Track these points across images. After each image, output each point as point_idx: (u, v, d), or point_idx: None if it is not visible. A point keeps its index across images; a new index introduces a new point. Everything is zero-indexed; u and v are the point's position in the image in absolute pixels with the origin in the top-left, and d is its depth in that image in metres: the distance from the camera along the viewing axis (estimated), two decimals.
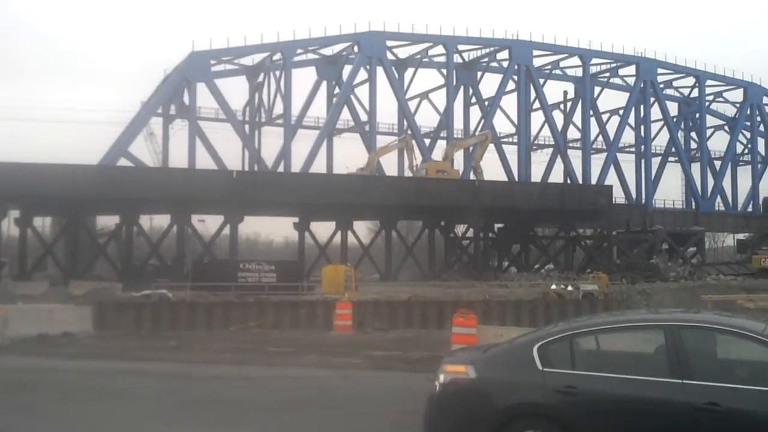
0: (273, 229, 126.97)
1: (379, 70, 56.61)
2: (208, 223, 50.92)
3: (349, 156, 71.00)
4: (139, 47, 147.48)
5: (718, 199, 69.87)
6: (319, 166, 56.18)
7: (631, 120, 67.21)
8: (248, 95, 60.31)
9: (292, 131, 56.69)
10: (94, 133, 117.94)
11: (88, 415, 8.75)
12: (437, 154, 58.40)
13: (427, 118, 65.53)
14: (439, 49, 60.63)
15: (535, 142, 67.38)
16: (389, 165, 58.08)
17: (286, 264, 38.67)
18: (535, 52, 62.04)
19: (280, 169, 54.15)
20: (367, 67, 56.66)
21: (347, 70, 57.95)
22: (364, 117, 58.96)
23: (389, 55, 58.64)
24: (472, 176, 54.66)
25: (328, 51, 59.00)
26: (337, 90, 59.55)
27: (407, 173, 55.06)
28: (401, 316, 25.96)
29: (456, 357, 6.79)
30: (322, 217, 50.30)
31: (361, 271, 47.93)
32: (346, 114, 60.05)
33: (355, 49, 57.16)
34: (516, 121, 62.79)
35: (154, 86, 54.75)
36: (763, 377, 5.63)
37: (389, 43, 58.19)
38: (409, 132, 57.66)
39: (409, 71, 63.59)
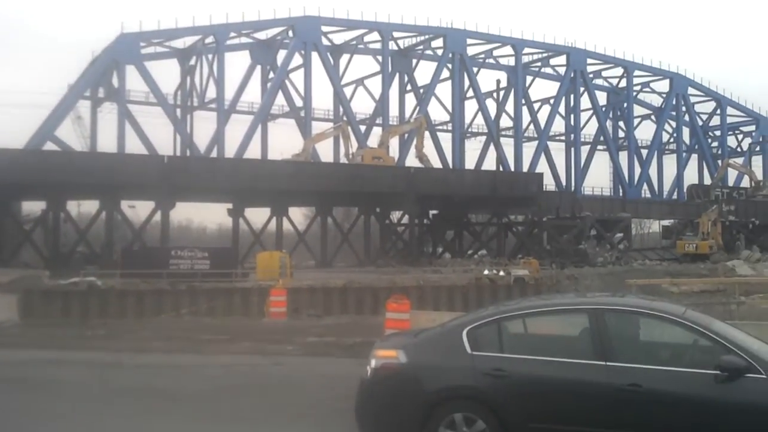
0: (206, 215, 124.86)
1: (315, 56, 56.23)
2: (138, 210, 49.76)
3: (284, 142, 70.55)
4: (66, 28, 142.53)
5: (645, 186, 72.09)
6: (253, 152, 55.62)
7: (562, 109, 68.68)
8: (180, 79, 59.06)
9: (226, 116, 55.83)
10: (18, 117, 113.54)
11: (13, 407, 8.52)
12: (373, 140, 58.51)
13: (362, 105, 65.82)
14: (375, 36, 60.61)
15: (469, 129, 68.18)
16: (325, 151, 57.95)
17: (219, 251, 38.21)
18: (469, 41, 62.64)
19: (213, 154, 53.31)
20: (302, 52, 56.20)
21: (282, 55, 57.37)
22: (299, 103, 58.54)
23: (324, 41, 58.28)
24: (417, 164, 54.96)
25: (262, 35, 58.24)
26: (271, 75, 58.87)
27: (343, 160, 55.00)
28: (336, 303, 26.16)
29: (387, 342, 6.88)
30: (256, 203, 49.84)
31: (296, 257, 47.82)
32: (281, 99, 59.53)
33: (290, 33, 56.59)
34: (450, 109, 63.45)
35: (82, 68, 53.06)
36: (683, 359, 5.90)
37: (324, 28, 57.80)
38: (345, 119, 57.55)
39: (345, 57, 63.37)
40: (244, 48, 58.99)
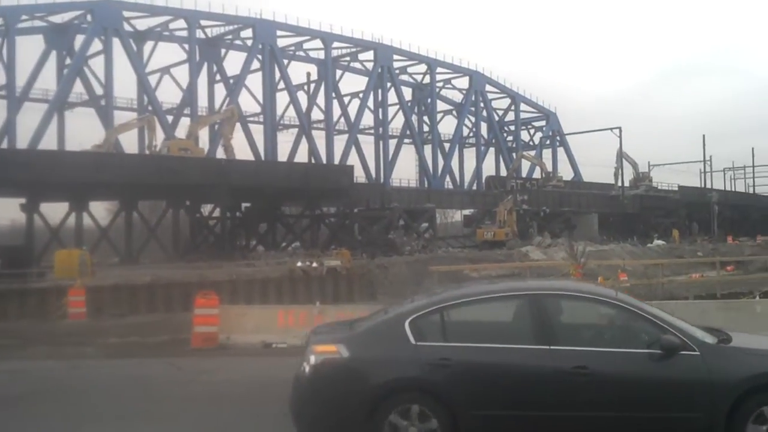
0: None
1: (116, 42, 53.32)
2: None
3: (84, 132, 66.16)
4: None
5: (448, 178, 75.80)
6: (49, 143, 51.79)
7: (371, 103, 70.39)
8: None
9: (17, 104, 51.61)
10: None
11: None
12: (181, 131, 56.63)
13: (169, 94, 63.16)
14: (181, 24, 58.56)
15: (281, 122, 67.98)
16: (129, 143, 55.21)
17: (12, 249, 35.36)
18: (279, 33, 62.35)
19: (4, 145, 48.98)
20: (102, 38, 53.05)
21: (80, 40, 53.86)
22: (100, 91, 55.30)
23: (127, 27, 55.45)
24: (222, 154, 53.76)
25: (57, 19, 54.34)
26: (68, 61, 55.11)
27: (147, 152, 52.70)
28: (143, 301, 25.16)
29: (323, 336, 6.53)
30: (53, 197, 46.47)
31: (99, 254, 45.27)
32: (80, 87, 55.87)
33: (89, 18, 53.27)
34: (261, 101, 62.90)
35: None
36: (620, 339, 6.11)
37: (126, 13, 54.89)
38: (150, 108, 55.20)
39: (149, 44, 60.73)
40: (37, 32, 54.70)
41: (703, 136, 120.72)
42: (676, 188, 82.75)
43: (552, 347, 5.79)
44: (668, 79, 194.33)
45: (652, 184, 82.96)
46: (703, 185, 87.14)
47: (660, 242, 56.88)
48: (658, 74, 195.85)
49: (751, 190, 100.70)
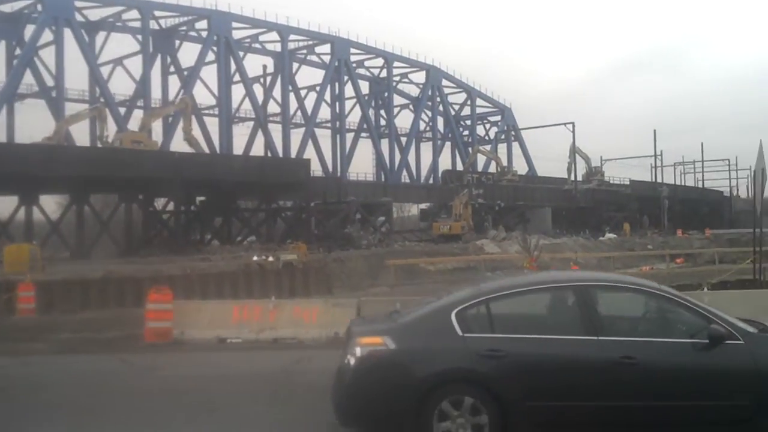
0: None
1: (68, 33, 52.17)
2: None
3: (34, 125, 64.79)
4: None
5: (405, 172, 76.09)
6: None
7: (328, 97, 70.20)
8: None
9: None
10: None
11: None
12: (134, 124, 55.68)
13: (122, 86, 62.11)
14: (134, 14, 57.56)
15: (237, 114, 67.37)
16: (81, 135, 54.15)
17: None
18: (235, 25, 61.74)
19: None
20: (53, 28, 51.89)
21: (30, 30, 52.58)
22: (50, 82, 54.10)
23: (79, 17, 54.32)
24: (184, 148, 53.10)
25: (7, 8, 52.95)
26: (18, 52, 53.77)
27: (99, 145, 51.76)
28: (95, 296, 24.79)
29: (367, 328, 6.55)
30: (2, 190, 45.40)
31: (50, 249, 44.35)
32: (30, 78, 54.59)
33: (39, 7, 52.03)
34: (217, 93, 62.23)
35: None
36: (666, 329, 6.28)
37: (78, 3, 53.75)
38: (102, 100, 54.20)
39: (102, 35, 59.62)
40: None
41: (654, 131, 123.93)
42: (628, 182, 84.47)
43: (600, 338, 5.90)
44: (620, 74, 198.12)
45: (605, 178, 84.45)
46: (653, 180, 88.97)
47: (611, 235, 58.05)
48: (610, 70, 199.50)
49: (700, 185, 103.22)
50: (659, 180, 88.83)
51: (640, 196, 79.52)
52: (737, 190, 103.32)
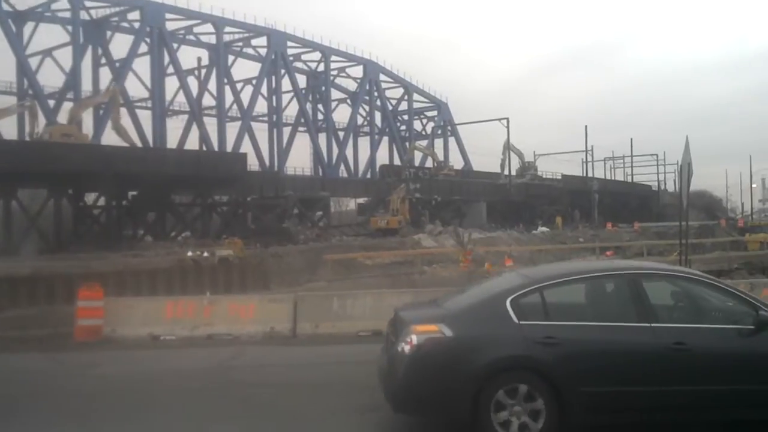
0: None
1: None
2: None
3: None
4: None
5: (342, 166, 76.10)
6: None
7: (264, 90, 69.64)
8: None
9: None
10: None
11: None
12: (64, 116, 54.01)
13: (52, 78, 60.17)
14: (64, 4, 55.85)
15: (170, 107, 66.13)
16: (8, 129, 52.37)
17: None
18: (168, 16, 60.52)
19: None
20: None
21: None
22: None
23: (5, 6, 52.43)
24: (109, 141, 51.84)
25: None
26: None
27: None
28: (23, 293, 24.11)
29: (418, 316, 6.54)
30: None
31: None
32: None
33: None
34: (150, 86, 60.94)
35: None
36: (713, 316, 6.50)
37: None
38: (31, 92, 52.49)
39: (30, 25, 57.59)
40: None
41: (586, 126, 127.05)
42: (560, 177, 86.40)
43: (653, 324, 6.07)
44: (554, 71, 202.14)
45: (538, 173, 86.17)
46: (585, 174, 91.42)
47: (544, 229, 59.32)
48: (544, 66, 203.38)
49: (629, 179, 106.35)
50: (590, 174, 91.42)
51: (572, 190, 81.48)
52: (665, 184, 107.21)
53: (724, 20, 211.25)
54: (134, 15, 59.72)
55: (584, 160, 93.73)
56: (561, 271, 7.05)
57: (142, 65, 60.51)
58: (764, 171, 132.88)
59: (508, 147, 78.20)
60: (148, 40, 59.09)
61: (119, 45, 60.79)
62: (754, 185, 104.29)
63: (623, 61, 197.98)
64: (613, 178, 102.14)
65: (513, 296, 6.23)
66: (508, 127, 76.17)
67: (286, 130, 72.67)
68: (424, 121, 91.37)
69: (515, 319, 6.08)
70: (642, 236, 51.60)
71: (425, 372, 6.00)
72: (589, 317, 6.36)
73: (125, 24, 61.50)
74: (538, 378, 5.89)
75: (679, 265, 19.69)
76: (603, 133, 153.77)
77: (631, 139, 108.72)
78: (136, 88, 62.11)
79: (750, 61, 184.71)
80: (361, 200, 72.47)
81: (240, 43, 69.55)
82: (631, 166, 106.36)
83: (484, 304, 6.41)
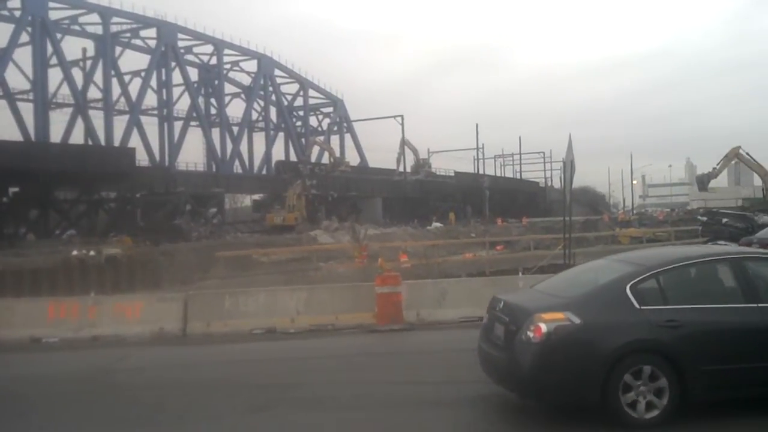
0: None
1: None
2: None
3: None
4: None
5: (237, 162, 74.88)
6: None
7: (154, 83, 67.50)
8: None
9: None
10: None
11: None
12: None
13: None
14: None
15: (54, 100, 63.08)
16: None
17: None
18: (52, 5, 57.65)
19: None
20: None
21: None
22: None
23: None
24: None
25: None
26: None
27: None
28: None
29: (539, 305, 6.70)
30: None
31: None
32: None
33: None
34: (31, 77, 57.95)
35: None
36: None
37: None
38: None
39: None
40: None
41: (477, 125, 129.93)
42: (453, 174, 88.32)
43: (761, 305, 6.55)
44: (446, 69, 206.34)
45: (432, 169, 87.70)
46: (476, 171, 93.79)
47: (438, 224, 60.43)
48: (437, 64, 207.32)
49: (518, 176, 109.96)
50: (481, 171, 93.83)
51: (464, 186, 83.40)
52: (551, 180, 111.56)
53: (605, 24, 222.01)
54: (15, 3, 56.60)
55: (476, 157, 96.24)
56: (671, 257, 7.32)
57: (24, 55, 57.51)
58: (644, 168, 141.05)
59: (403, 143, 79.20)
60: (29, 29, 56.15)
61: None
62: (634, 181, 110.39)
63: (512, 62, 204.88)
64: (503, 175, 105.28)
65: (632, 282, 6.61)
66: (402, 124, 77.25)
67: (178, 125, 70.60)
68: (320, 117, 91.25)
69: (636, 305, 6.47)
70: (530, 231, 53.24)
71: (556, 358, 6.31)
72: (702, 300, 6.75)
73: (5, 12, 58.17)
74: (661, 359, 6.31)
75: (564, 258, 20.70)
76: (494, 131, 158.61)
77: (520, 137, 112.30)
78: (17, 80, 58.96)
79: (630, 62, 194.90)
80: (256, 197, 71.63)
81: (128, 34, 67.10)
82: (520, 164, 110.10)
83: (603, 291, 6.76)
